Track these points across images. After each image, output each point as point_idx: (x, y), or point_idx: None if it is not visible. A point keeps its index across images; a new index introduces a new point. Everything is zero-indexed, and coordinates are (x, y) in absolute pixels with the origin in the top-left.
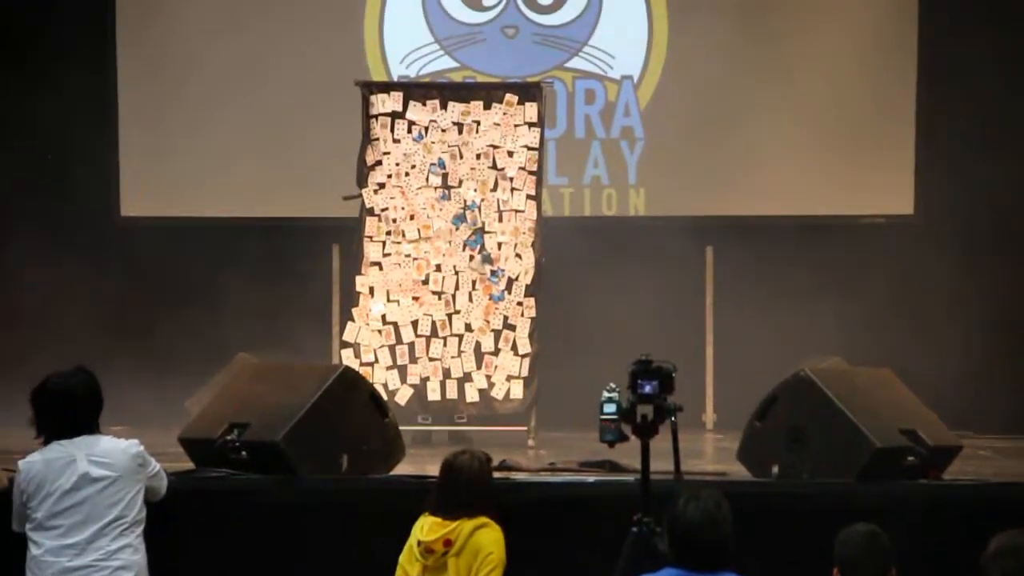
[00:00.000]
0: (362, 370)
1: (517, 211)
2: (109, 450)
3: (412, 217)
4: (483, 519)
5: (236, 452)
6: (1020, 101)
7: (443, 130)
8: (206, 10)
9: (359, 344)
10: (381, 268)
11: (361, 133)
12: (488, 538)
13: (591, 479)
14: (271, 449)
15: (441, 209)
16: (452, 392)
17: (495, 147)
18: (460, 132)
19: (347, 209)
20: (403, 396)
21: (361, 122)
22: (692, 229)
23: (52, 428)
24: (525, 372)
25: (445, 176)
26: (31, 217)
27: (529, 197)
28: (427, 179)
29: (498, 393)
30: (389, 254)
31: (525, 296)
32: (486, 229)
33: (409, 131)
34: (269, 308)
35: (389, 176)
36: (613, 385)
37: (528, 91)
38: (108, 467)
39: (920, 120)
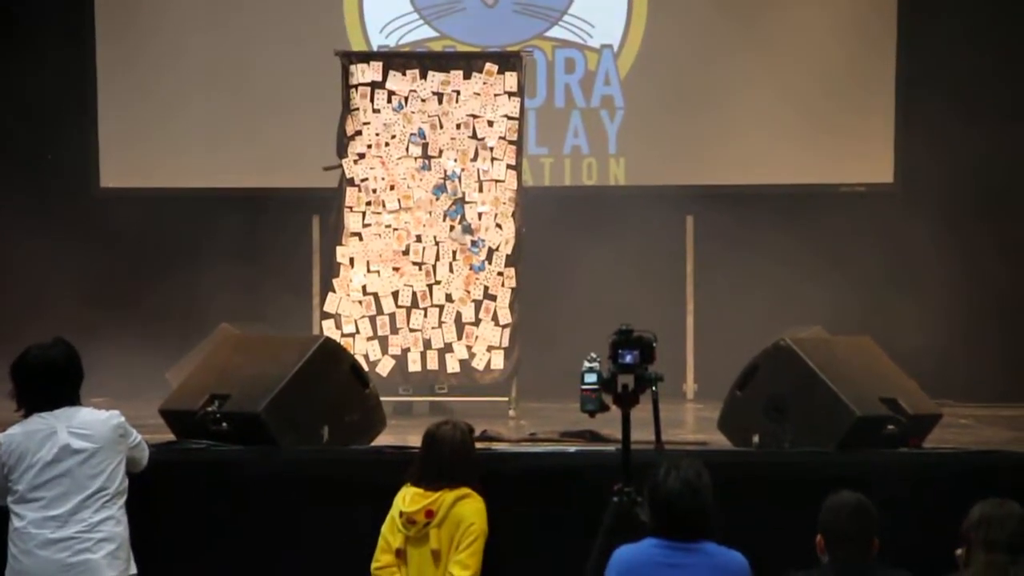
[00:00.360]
0: (343, 341)
1: (497, 181)
2: (90, 421)
3: (392, 187)
4: (465, 490)
5: (217, 423)
6: (998, 69)
7: (423, 100)
8: None
9: (340, 315)
10: (361, 239)
11: (341, 103)
12: (470, 508)
13: (572, 449)
14: (252, 420)
15: (421, 179)
16: (433, 363)
17: (475, 117)
18: (440, 102)
19: (327, 180)
20: (384, 367)
21: (341, 92)
22: (672, 198)
23: (33, 400)
24: (506, 343)
25: (425, 146)
26: (9, 188)
27: (509, 167)
28: (407, 149)
29: (479, 364)
30: (369, 224)
31: (506, 266)
32: (466, 199)
33: (389, 101)
34: (250, 279)
35: (369, 146)
36: (594, 355)
37: (508, 60)
38: (89, 439)
39: (899, 88)
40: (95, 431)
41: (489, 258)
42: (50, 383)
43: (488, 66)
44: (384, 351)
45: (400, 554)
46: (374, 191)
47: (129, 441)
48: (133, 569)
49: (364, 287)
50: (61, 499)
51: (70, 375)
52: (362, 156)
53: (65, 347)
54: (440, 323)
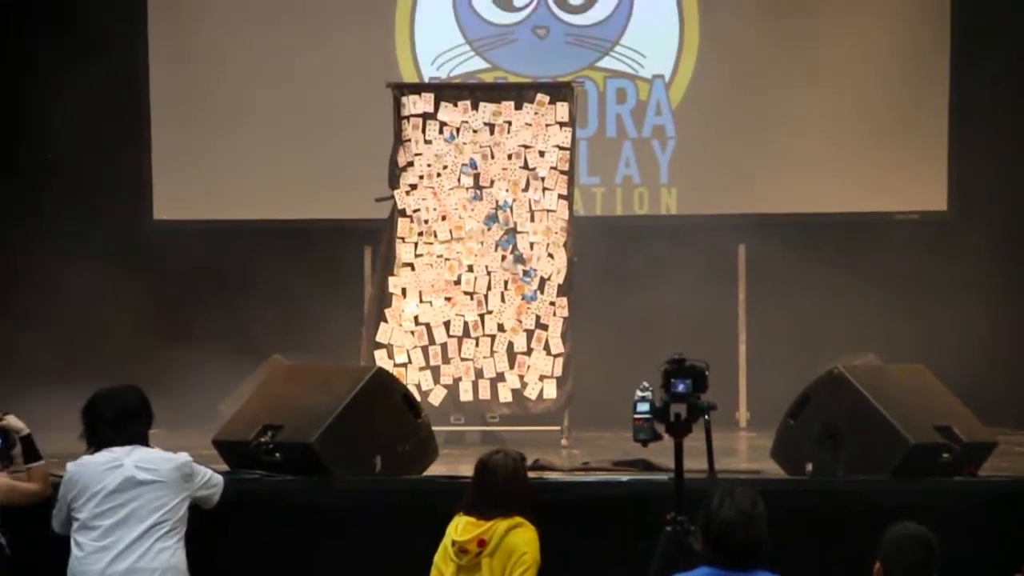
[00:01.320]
0: (395, 371)
1: (549, 211)
2: (156, 458)
3: (444, 218)
4: (518, 519)
5: (270, 454)
6: None
7: (474, 131)
8: (237, 16)
9: (392, 345)
10: (413, 269)
11: (393, 135)
12: (522, 538)
13: (625, 478)
14: (305, 450)
15: (473, 209)
16: (485, 392)
17: (527, 147)
18: (491, 132)
19: (379, 211)
20: (436, 397)
21: (393, 124)
22: (724, 228)
23: (103, 439)
24: (558, 372)
25: (477, 176)
26: (65, 221)
27: (561, 197)
28: (459, 180)
29: (531, 393)
30: (421, 255)
31: (557, 296)
32: (518, 229)
33: (441, 132)
34: (301, 309)
35: (421, 177)
36: (646, 384)
37: (559, 91)
38: (154, 473)
39: (953, 115)
40: (161, 467)
41: (541, 288)
42: (122, 423)
43: (539, 96)
44: (436, 381)
45: None
46: (426, 221)
47: (196, 482)
48: None
49: (416, 317)
50: (120, 527)
51: (143, 417)
52: (414, 187)
53: (138, 391)
54: (492, 352)
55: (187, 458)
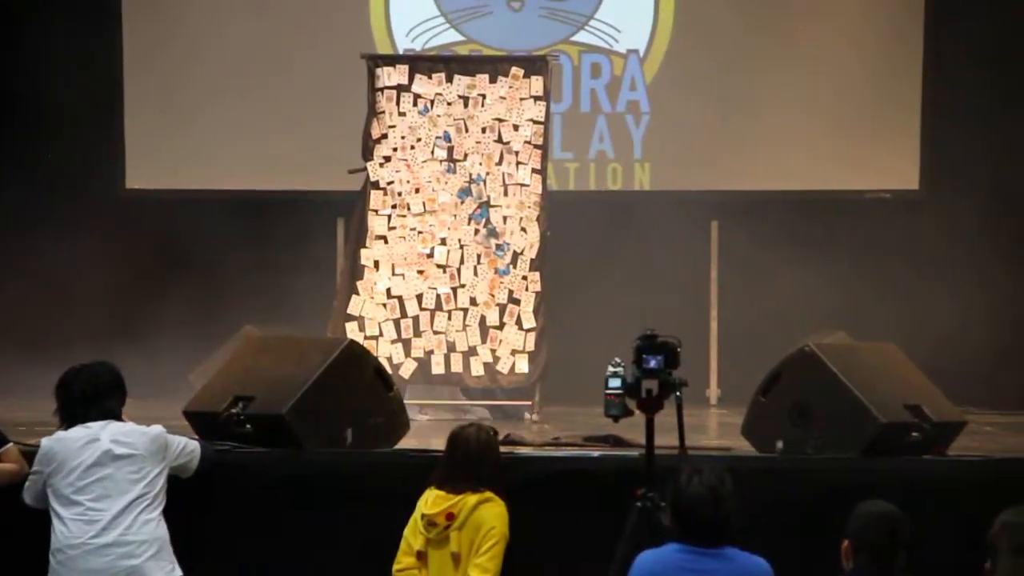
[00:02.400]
0: (366, 343)
1: (522, 185)
2: (131, 431)
3: (417, 190)
4: (487, 493)
5: (241, 425)
6: None
7: (449, 103)
8: None
9: (364, 317)
10: (386, 242)
11: (367, 106)
12: (491, 512)
13: (595, 454)
14: (276, 422)
15: (446, 182)
16: (457, 366)
17: (501, 120)
18: (466, 105)
19: (352, 182)
20: (407, 370)
21: (367, 95)
22: (697, 204)
23: (76, 415)
24: (531, 347)
25: (451, 149)
26: (36, 189)
27: (534, 171)
28: (432, 152)
29: (503, 367)
30: (394, 227)
31: (530, 270)
32: (491, 203)
33: (415, 104)
34: (274, 281)
35: (395, 149)
36: (618, 360)
37: (534, 64)
38: (130, 446)
39: (925, 95)
40: (136, 440)
41: (514, 262)
42: (96, 398)
43: (514, 70)
44: (407, 354)
45: (421, 556)
46: (399, 194)
47: (172, 452)
48: (178, 572)
49: (388, 290)
50: (103, 501)
51: (116, 392)
52: (388, 159)
53: (111, 367)
54: (464, 326)
55: (161, 430)
